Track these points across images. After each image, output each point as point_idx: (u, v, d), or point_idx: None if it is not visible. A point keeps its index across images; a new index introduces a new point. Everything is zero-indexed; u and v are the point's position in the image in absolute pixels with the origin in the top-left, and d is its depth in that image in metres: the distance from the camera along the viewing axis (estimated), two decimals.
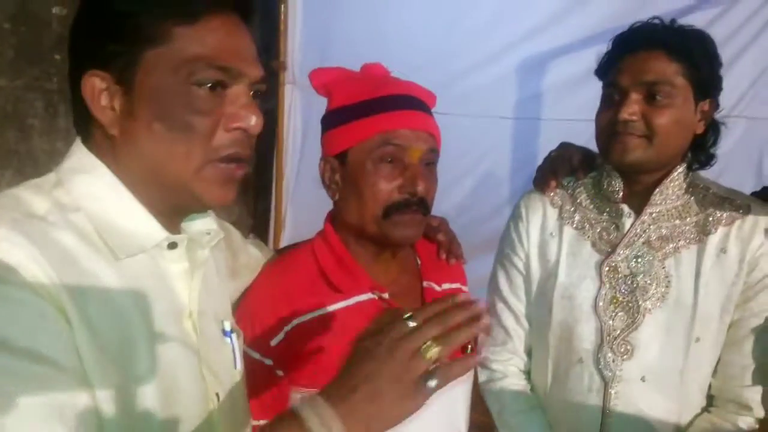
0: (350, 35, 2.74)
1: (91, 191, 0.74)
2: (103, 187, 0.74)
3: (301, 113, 3.05)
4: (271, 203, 3.19)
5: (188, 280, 0.81)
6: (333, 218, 1.18)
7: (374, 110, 1.07)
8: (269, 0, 3.20)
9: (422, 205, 1.08)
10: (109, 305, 0.69)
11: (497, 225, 1.59)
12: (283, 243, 3.13)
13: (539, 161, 1.44)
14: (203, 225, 0.88)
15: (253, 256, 1.16)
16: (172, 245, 0.78)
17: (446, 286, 1.25)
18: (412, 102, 1.10)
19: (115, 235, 0.73)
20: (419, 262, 1.24)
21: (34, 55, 2.56)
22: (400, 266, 1.21)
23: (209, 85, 0.72)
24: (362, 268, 1.13)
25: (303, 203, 3.09)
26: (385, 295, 1.13)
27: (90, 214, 0.72)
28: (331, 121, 1.13)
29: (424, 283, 1.21)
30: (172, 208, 0.79)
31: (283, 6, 2.97)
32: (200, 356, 0.80)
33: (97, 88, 0.72)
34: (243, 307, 1.09)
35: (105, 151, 0.75)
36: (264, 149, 3.19)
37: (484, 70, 2.81)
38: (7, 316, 0.61)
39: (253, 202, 3.51)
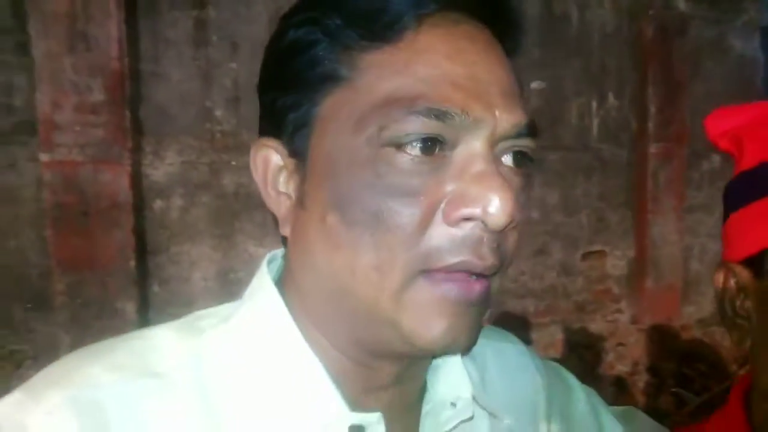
0: None
1: (247, 331, 0.48)
2: (264, 324, 0.47)
3: None
4: None
5: None
6: (746, 386, 0.62)
7: None
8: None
9: None
10: None
11: None
12: None
13: None
14: (449, 384, 0.52)
15: None
16: (357, 430, 0.45)
17: None
18: None
19: (257, 416, 0.45)
20: None
21: None
22: None
23: (418, 145, 0.41)
24: None
25: None
26: None
27: (236, 371, 0.47)
28: (742, 193, 0.58)
29: None
30: (371, 354, 0.47)
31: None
32: None
33: (272, 164, 0.47)
34: None
35: (286, 264, 0.50)
36: None
37: None
38: None
39: None
